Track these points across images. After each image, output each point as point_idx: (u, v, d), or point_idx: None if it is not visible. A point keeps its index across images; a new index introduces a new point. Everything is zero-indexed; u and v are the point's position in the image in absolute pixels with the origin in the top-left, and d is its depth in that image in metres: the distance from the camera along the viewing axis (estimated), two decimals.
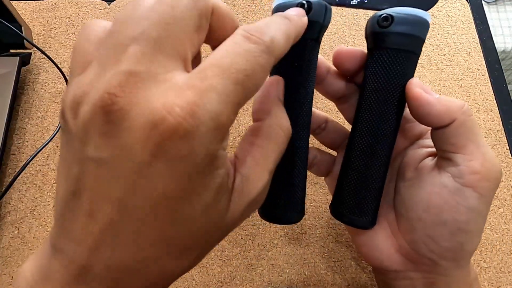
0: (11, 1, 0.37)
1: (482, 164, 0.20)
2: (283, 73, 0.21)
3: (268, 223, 0.34)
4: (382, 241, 0.24)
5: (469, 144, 0.20)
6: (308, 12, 0.20)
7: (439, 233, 0.22)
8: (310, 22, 0.20)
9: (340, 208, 0.24)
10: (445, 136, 0.21)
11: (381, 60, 0.22)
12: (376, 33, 0.22)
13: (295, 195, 0.22)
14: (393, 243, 0.24)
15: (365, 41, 0.24)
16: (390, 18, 0.21)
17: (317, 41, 0.22)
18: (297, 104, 0.22)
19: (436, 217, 0.21)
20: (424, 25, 0.21)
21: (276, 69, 0.21)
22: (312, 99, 0.22)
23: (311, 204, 0.35)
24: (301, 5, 0.20)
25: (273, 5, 0.22)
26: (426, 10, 0.22)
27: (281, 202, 0.22)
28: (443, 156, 0.22)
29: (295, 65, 0.21)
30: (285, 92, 0.21)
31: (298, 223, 0.34)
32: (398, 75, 0.22)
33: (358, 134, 0.23)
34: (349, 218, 0.23)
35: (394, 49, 0.22)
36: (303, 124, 0.22)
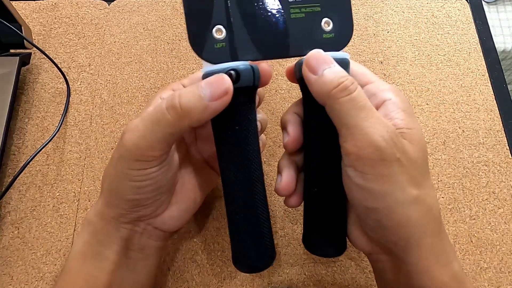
0: (11, 1, 0.37)
1: (353, 145, 0.21)
2: (227, 137, 0.23)
3: None
4: (353, 226, 0.25)
5: (341, 126, 0.22)
6: (237, 80, 0.21)
7: (360, 215, 0.24)
8: (241, 89, 0.22)
9: (311, 245, 0.26)
10: (331, 118, 0.22)
11: (316, 103, 0.23)
12: None
13: (264, 243, 0.25)
14: (359, 228, 0.25)
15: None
16: None
17: (252, 101, 0.24)
18: (246, 161, 0.24)
19: (350, 200, 0.23)
20: (346, 65, 0.23)
21: (220, 133, 0.24)
22: (260, 153, 0.24)
23: None
24: (229, 74, 0.21)
25: (201, 72, 0.23)
26: (341, 49, 0.24)
27: (252, 253, 0.25)
28: None
29: (236, 128, 0.23)
30: (233, 153, 0.23)
31: (299, 223, 0.34)
32: None
33: (312, 179, 0.25)
34: (321, 251, 0.26)
35: None
36: (257, 178, 0.24)
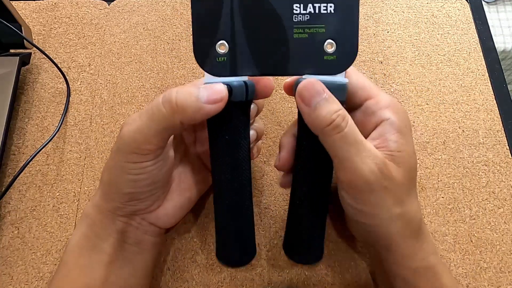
0: (11, 1, 0.37)
1: (344, 175, 0.23)
2: (219, 145, 0.25)
3: (267, 224, 0.34)
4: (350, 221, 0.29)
5: (334, 157, 0.23)
6: (229, 95, 0.23)
7: (351, 222, 0.28)
8: (234, 103, 0.24)
9: (292, 252, 0.29)
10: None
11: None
12: None
13: (247, 241, 0.28)
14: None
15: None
16: None
17: (244, 114, 0.25)
18: (235, 169, 0.26)
19: (344, 208, 0.26)
20: (343, 89, 0.24)
21: (213, 141, 0.26)
22: (249, 162, 0.27)
23: None
24: None
25: (203, 82, 0.24)
26: (342, 71, 0.24)
27: (234, 250, 0.28)
28: None
29: (227, 138, 0.25)
30: (223, 160, 0.26)
31: None
32: None
33: (297, 185, 0.27)
34: (300, 259, 0.30)
35: None
36: (244, 184, 0.26)
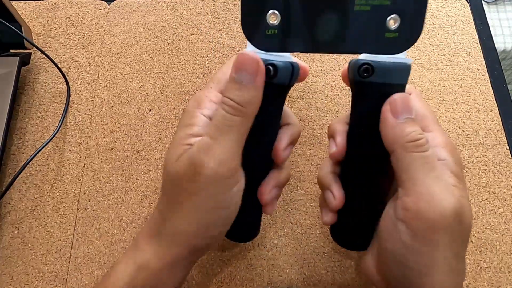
0: (11, 1, 0.37)
1: (415, 203, 0.20)
2: (252, 125, 0.22)
3: (267, 224, 0.34)
4: (369, 260, 0.25)
5: (406, 179, 0.21)
6: (274, 76, 0.21)
7: (386, 259, 0.22)
8: (276, 85, 0.21)
9: (339, 235, 0.28)
10: (393, 164, 0.21)
11: (365, 106, 0.23)
12: (358, 82, 0.22)
13: (256, 217, 0.27)
14: (375, 263, 0.24)
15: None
16: (371, 70, 0.21)
17: (282, 97, 0.23)
18: (261, 151, 0.24)
19: (382, 243, 0.22)
20: (405, 71, 0.22)
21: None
22: (272, 145, 0.24)
23: (311, 205, 0.35)
24: (267, 69, 0.21)
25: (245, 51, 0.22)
26: (402, 51, 0.21)
27: (245, 225, 0.27)
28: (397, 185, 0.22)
29: (259, 120, 0.22)
30: (252, 140, 0.22)
31: (299, 223, 0.34)
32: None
33: (350, 173, 0.25)
34: (346, 243, 0.28)
35: (377, 97, 0.22)
36: (260, 168, 0.25)
